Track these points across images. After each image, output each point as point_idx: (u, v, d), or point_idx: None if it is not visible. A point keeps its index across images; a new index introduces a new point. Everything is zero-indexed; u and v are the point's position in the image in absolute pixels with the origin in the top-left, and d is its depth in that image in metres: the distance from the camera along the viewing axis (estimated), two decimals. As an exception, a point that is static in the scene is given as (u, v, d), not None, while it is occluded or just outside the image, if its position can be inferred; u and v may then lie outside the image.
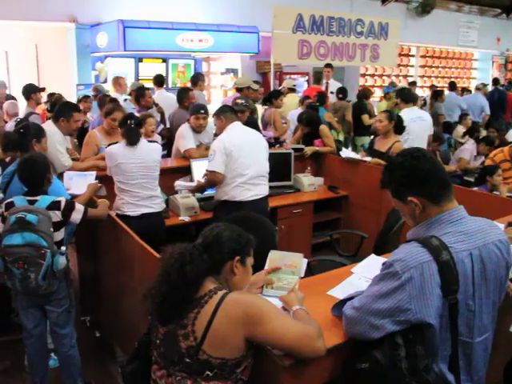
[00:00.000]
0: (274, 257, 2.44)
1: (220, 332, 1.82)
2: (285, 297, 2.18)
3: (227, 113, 4.41)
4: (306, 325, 1.90)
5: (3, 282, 3.43)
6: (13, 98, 7.49)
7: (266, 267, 2.42)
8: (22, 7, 8.32)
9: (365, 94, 9.38)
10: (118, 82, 7.81)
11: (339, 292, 2.38)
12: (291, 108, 7.90)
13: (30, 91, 6.57)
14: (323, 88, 9.17)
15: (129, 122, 4.14)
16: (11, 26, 9.52)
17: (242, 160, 4.18)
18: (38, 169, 3.21)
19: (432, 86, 11.53)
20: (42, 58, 10.43)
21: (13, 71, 10.31)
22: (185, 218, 4.53)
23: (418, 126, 5.91)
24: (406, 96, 6.31)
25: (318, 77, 9.49)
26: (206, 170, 4.27)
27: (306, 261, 2.45)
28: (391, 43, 10.64)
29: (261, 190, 4.31)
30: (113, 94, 7.84)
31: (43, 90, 7.28)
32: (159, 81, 8.02)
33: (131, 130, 4.13)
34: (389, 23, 10.48)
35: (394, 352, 1.82)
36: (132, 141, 4.10)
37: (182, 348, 1.86)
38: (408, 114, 5.90)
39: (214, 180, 4.24)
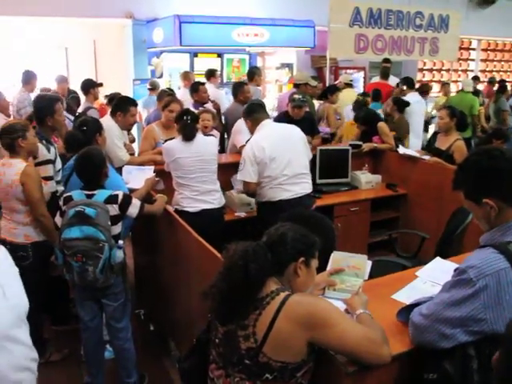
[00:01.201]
0: (337, 258, 2.37)
1: (281, 334, 1.77)
2: (349, 300, 2.10)
3: (254, 114, 4.23)
4: (370, 330, 1.83)
5: (62, 273, 3.50)
6: (75, 92, 7.68)
7: (329, 268, 2.35)
8: (81, 5, 8.50)
9: (423, 89, 9.11)
10: (187, 76, 7.81)
11: (404, 296, 2.30)
12: (348, 103, 7.76)
13: (89, 86, 6.70)
14: (391, 83, 8.95)
15: (185, 117, 4.13)
16: (71, 23, 9.75)
17: (275, 164, 4.02)
18: (95, 163, 3.24)
19: (501, 81, 11.02)
20: (100, 53, 10.64)
21: (72, 67, 10.54)
22: (241, 213, 4.52)
23: (417, 108, 7.51)
24: (411, 83, 8.09)
25: (385, 72, 9.20)
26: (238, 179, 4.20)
27: (370, 263, 2.36)
28: (451, 36, 10.26)
29: (301, 188, 4.14)
30: (182, 88, 7.87)
31: (101, 85, 7.41)
32: (208, 75, 8.02)
33: (187, 126, 4.12)
34: (449, 15, 10.11)
35: (466, 364, 1.72)
36: (188, 136, 4.09)
37: (241, 349, 1.82)
38: (411, 97, 7.47)
39: (247, 189, 4.16)
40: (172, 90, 7.08)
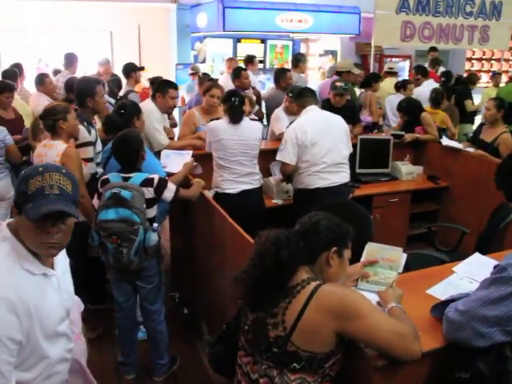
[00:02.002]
0: (372, 249, 2.32)
1: (311, 324, 1.75)
2: (382, 292, 2.06)
3: (303, 97, 4.23)
4: (401, 324, 1.79)
5: (97, 255, 3.55)
6: (116, 75, 7.76)
7: (363, 259, 2.31)
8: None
9: (470, 79, 8.84)
10: (232, 62, 7.79)
11: (439, 291, 2.24)
12: (390, 92, 7.60)
13: (130, 70, 6.74)
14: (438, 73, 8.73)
15: (232, 99, 4.11)
16: (116, 8, 9.85)
17: (316, 150, 4.00)
18: (132, 146, 3.25)
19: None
20: (144, 38, 10.72)
21: (116, 51, 10.67)
22: (278, 200, 4.50)
23: None
24: (424, 72, 7.89)
25: (435, 61, 8.95)
26: (276, 160, 4.18)
27: (405, 256, 2.31)
28: (504, 24, 9.90)
29: (339, 177, 4.10)
30: (225, 73, 7.82)
31: (142, 69, 7.46)
32: (248, 61, 7.97)
33: (234, 108, 4.09)
34: (502, 2, 9.75)
35: (501, 364, 1.67)
36: (235, 119, 4.08)
37: (270, 337, 1.81)
38: (427, 85, 7.25)
39: (284, 170, 4.16)
40: (208, 75, 7.07)
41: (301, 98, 4.24)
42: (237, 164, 4.11)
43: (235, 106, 4.10)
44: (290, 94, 5.12)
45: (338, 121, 4.23)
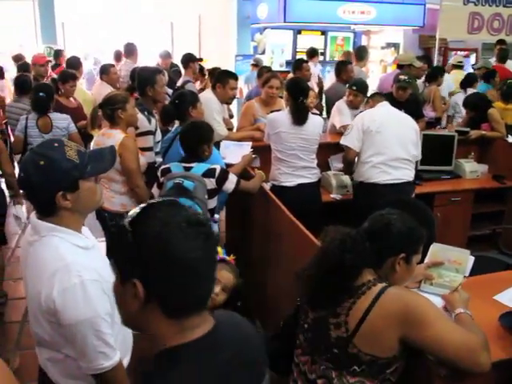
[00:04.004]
0: (437, 250, 2.22)
1: (374, 327, 1.69)
2: (449, 296, 1.97)
3: (374, 96, 4.32)
4: (469, 333, 1.70)
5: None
6: (176, 66, 7.84)
7: (427, 260, 2.21)
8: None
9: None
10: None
11: (507, 298, 2.15)
12: (457, 86, 7.32)
13: (188, 60, 6.79)
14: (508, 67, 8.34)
15: (300, 98, 4.01)
16: (177, -2, 9.96)
17: (380, 138, 3.92)
18: (200, 135, 3.27)
19: None
20: (204, 28, 10.79)
21: (177, 42, 10.79)
22: (336, 195, 4.42)
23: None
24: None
25: (503, 54, 8.53)
26: (340, 144, 4.13)
27: (472, 259, 2.20)
28: None
29: (402, 174, 3.97)
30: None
31: (201, 60, 7.51)
32: (311, 53, 7.86)
33: (300, 110, 4.00)
34: None
35: None
36: (299, 121, 3.99)
37: (331, 337, 1.77)
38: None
39: (346, 156, 4.11)
40: (268, 67, 7.02)
41: (373, 96, 4.34)
42: (294, 157, 4.06)
43: (301, 107, 4.02)
44: (354, 88, 5.02)
45: (409, 120, 4.15)
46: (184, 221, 1.12)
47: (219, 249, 2.71)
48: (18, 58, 7.89)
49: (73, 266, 1.66)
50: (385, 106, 4.13)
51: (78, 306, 1.64)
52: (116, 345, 1.76)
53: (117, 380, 1.76)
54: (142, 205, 1.17)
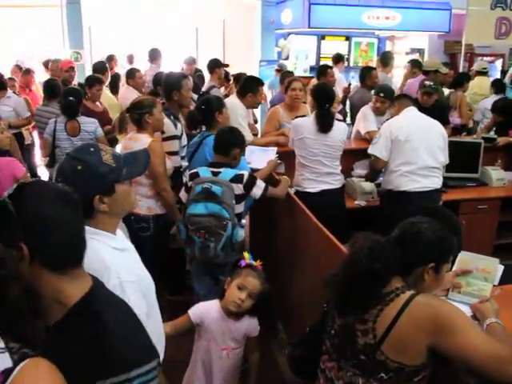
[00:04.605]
0: (465, 258, 2.20)
1: (403, 334, 1.68)
2: (479, 306, 1.95)
3: (401, 99, 4.21)
4: (501, 344, 1.67)
5: (182, 247, 3.60)
6: (200, 71, 7.90)
7: (455, 268, 2.19)
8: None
9: None
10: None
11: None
12: (480, 93, 7.25)
13: (214, 66, 6.83)
14: None
15: (327, 105, 4.02)
16: (202, 3, 10.01)
17: (409, 147, 3.87)
18: (235, 138, 3.31)
19: None
20: (229, 34, 10.84)
21: (201, 46, 10.86)
22: (361, 202, 4.39)
23: None
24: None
25: None
26: (368, 153, 4.09)
27: (502, 268, 2.17)
28: None
29: (431, 182, 3.93)
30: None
31: (227, 65, 7.55)
32: (337, 59, 7.85)
33: (325, 117, 3.99)
34: None
35: None
36: (324, 129, 3.98)
37: (358, 344, 1.76)
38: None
39: (374, 165, 4.07)
40: (292, 73, 7.04)
41: (399, 99, 4.22)
42: (318, 163, 4.06)
43: (326, 113, 4.01)
44: (381, 94, 5.00)
45: (437, 125, 4.09)
46: (55, 192, 1.42)
47: (246, 254, 2.72)
48: (47, 64, 8.04)
49: (112, 268, 1.69)
50: (411, 112, 4.07)
51: None
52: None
53: None
54: (18, 183, 1.36)
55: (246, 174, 3.25)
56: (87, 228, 1.73)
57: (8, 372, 1.09)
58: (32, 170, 6.59)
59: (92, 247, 1.71)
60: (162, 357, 1.87)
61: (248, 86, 4.68)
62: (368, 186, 4.46)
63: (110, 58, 8.31)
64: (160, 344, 1.87)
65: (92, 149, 1.76)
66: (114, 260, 1.72)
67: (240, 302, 2.57)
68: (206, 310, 2.68)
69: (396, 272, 1.78)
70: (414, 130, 3.91)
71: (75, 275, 1.41)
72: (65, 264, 1.39)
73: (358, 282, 1.75)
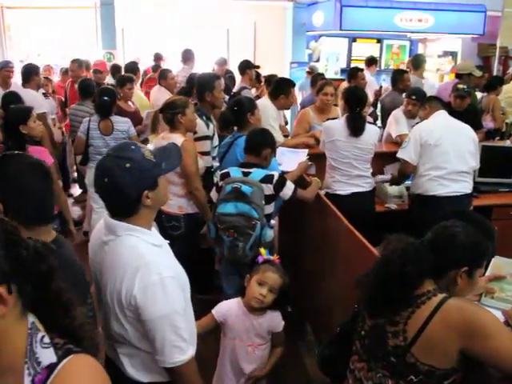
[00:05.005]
0: (498, 263, 2.18)
1: (434, 337, 1.67)
2: (511, 311, 1.92)
3: (432, 102, 4.15)
4: None
5: (211, 246, 3.62)
6: (231, 72, 7.94)
7: (488, 273, 2.17)
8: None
9: None
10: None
11: None
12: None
13: (246, 67, 6.86)
14: None
15: (357, 109, 4.03)
16: (233, 5, 10.06)
17: (439, 152, 3.84)
18: (267, 138, 3.34)
19: None
20: (259, 35, 10.87)
21: (232, 48, 10.91)
22: (391, 205, 4.36)
23: None
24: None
25: None
26: (397, 157, 4.07)
27: (536, 274, 2.14)
28: None
29: (461, 187, 3.90)
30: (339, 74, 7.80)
31: (258, 67, 7.57)
32: (370, 62, 7.81)
33: (356, 120, 4.00)
34: None
35: None
36: (356, 132, 3.99)
37: (388, 345, 1.76)
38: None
39: (403, 169, 4.04)
40: (322, 75, 7.02)
41: (430, 101, 4.18)
42: (348, 166, 4.06)
43: (357, 117, 4.02)
44: (414, 97, 4.96)
45: (467, 129, 4.05)
46: (33, 163, 1.96)
47: (262, 250, 2.73)
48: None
49: (152, 264, 1.73)
50: (442, 115, 4.04)
51: (157, 302, 1.71)
52: (189, 339, 1.83)
53: (189, 373, 1.84)
54: (2, 153, 1.65)
55: (276, 174, 3.27)
56: (125, 225, 1.78)
57: (52, 367, 1.10)
58: (65, 167, 6.73)
59: (130, 244, 1.76)
60: (194, 353, 1.90)
61: (280, 88, 4.70)
62: (398, 189, 4.44)
63: (159, 56, 8.44)
64: (192, 341, 1.90)
65: (133, 146, 1.80)
66: (153, 256, 1.76)
67: (262, 297, 2.59)
68: (228, 308, 2.71)
69: (428, 275, 1.78)
70: (444, 134, 3.88)
71: (42, 231, 1.86)
72: (34, 222, 1.85)
73: (389, 284, 1.76)
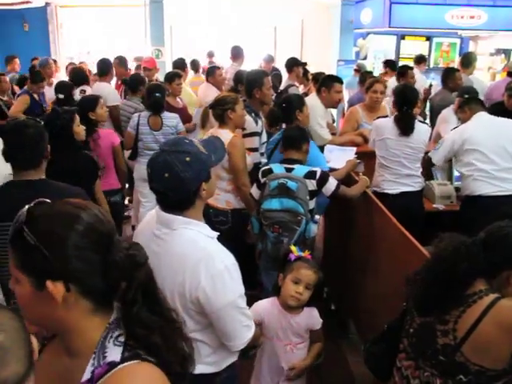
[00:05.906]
0: None
1: (485, 337, 1.65)
2: None
3: (471, 104, 4.04)
4: None
5: (254, 242, 3.64)
6: (277, 70, 7.95)
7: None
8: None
9: None
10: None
11: None
12: None
13: (292, 64, 6.85)
14: None
15: (405, 108, 3.98)
16: (280, 3, 10.07)
17: (480, 153, 3.74)
18: (304, 133, 3.37)
19: None
20: (307, 33, 10.85)
21: (279, 45, 10.92)
22: (439, 206, 4.30)
23: None
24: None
25: None
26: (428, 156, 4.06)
27: None
28: None
29: (510, 185, 3.78)
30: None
31: (305, 64, 7.55)
32: (419, 60, 7.68)
33: (406, 119, 3.96)
34: None
35: None
36: (405, 131, 3.95)
37: (438, 344, 1.75)
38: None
39: (427, 165, 4.06)
40: (371, 73, 6.96)
41: (470, 103, 4.08)
42: (398, 165, 4.02)
43: (406, 116, 3.97)
44: (466, 96, 4.86)
45: (510, 127, 3.92)
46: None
47: (293, 247, 2.72)
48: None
49: (215, 253, 1.79)
50: (482, 117, 3.93)
51: (226, 289, 1.77)
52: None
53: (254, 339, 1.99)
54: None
55: (319, 170, 3.27)
56: (181, 218, 1.81)
57: (112, 365, 1.13)
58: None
59: (188, 237, 1.80)
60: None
61: (323, 82, 4.70)
62: (447, 189, 4.36)
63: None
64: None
65: (186, 140, 1.85)
66: (213, 246, 1.81)
67: (298, 295, 2.57)
68: (264, 308, 2.69)
69: (480, 274, 1.76)
70: (488, 135, 3.78)
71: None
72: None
73: (440, 282, 1.75)
